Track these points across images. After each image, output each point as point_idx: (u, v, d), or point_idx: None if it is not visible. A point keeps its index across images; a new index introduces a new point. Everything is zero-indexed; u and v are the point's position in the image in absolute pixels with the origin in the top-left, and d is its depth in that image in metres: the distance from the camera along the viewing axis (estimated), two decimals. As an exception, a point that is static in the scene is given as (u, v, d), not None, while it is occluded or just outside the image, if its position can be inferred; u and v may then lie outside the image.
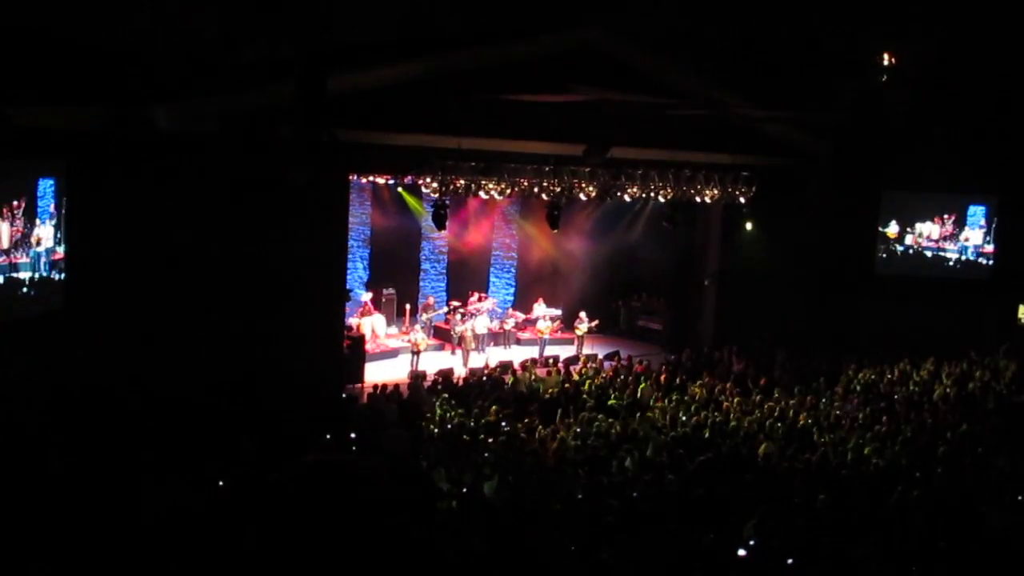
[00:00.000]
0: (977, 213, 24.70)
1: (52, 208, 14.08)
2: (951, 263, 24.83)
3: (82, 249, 14.67)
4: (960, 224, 24.74)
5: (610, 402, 17.08)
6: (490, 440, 14.32)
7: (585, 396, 17.35)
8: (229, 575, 8.49)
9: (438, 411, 16.17)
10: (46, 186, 13.95)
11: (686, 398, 17.40)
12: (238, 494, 10.29)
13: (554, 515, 10.44)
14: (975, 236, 24.75)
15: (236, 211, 15.73)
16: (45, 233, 13.99)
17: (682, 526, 10.26)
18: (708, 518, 10.64)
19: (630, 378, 18.70)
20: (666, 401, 17.08)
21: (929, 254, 24.86)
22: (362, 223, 23.56)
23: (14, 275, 13.53)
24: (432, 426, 15.35)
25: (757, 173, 21.44)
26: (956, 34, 22.95)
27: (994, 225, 24.61)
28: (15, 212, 13.39)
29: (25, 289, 13.78)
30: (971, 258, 24.81)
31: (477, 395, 17.33)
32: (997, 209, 24.59)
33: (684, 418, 16.02)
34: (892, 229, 24.71)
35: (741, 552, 9.95)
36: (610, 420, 15.68)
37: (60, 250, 14.37)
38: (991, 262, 24.73)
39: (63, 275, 14.49)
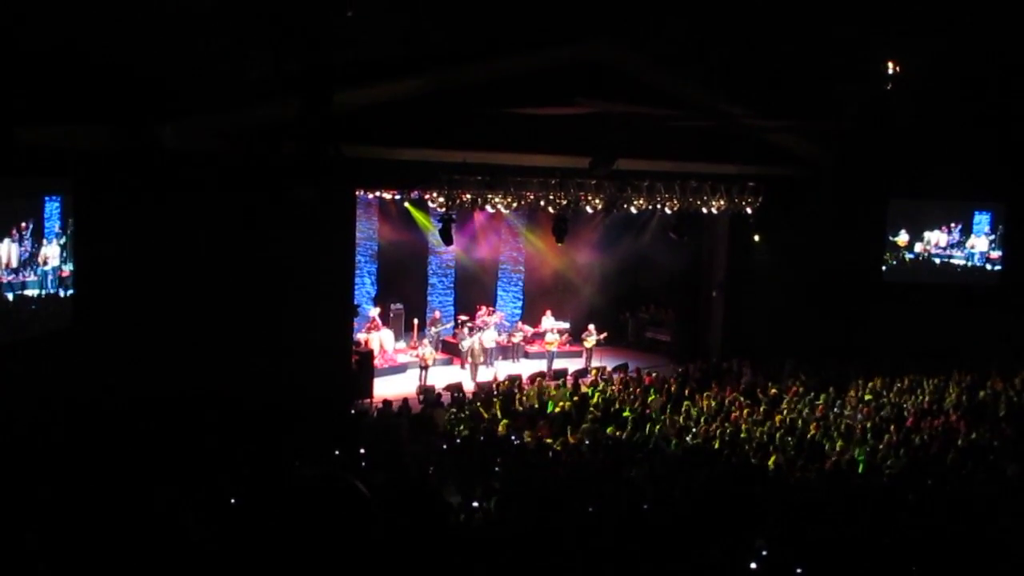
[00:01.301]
0: (982, 220, 24.63)
1: (58, 228, 14.17)
2: (959, 269, 24.75)
3: (90, 266, 14.73)
4: (966, 231, 24.67)
5: (624, 413, 17.04)
6: (499, 455, 14.29)
7: (593, 409, 17.31)
8: None
9: (447, 426, 16.14)
10: (52, 208, 14.06)
11: (695, 409, 17.35)
12: (244, 508, 10.27)
13: (563, 528, 10.39)
14: (980, 243, 24.68)
15: (243, 228, 15.78)
16: (52, 252, 14.09)
17: (692, 538, 10.21)
18: (718, 529, 10.58)
19: (639, 390, 18.65)
20: (675, 412, 17.02)
21: (937, 261, 24.77)
22: (369, 238, 23.57)
23: (23, 293, 13.64)
24: (441, 441, 15.32)
25: (763, 183, 21.41)
26: (961, 41, 22.91)
27: (999, 231, 24.54)
28: (23, 233, 13.49)
29: (34, 307, 13.89)
30: (978, 264, 24.73)
31: (487, 409, 17.30)
32: (1005, 216, 24.51)
33: (694, 429, 15.97)
34: (902, 238, 24.64)
35: (752, 565, 9.90)
36: (619, 433, 15.64)
37: (67, 268, 14.44)
38: (998, 268, 24.64)
39: (70, 292, 14.56)
